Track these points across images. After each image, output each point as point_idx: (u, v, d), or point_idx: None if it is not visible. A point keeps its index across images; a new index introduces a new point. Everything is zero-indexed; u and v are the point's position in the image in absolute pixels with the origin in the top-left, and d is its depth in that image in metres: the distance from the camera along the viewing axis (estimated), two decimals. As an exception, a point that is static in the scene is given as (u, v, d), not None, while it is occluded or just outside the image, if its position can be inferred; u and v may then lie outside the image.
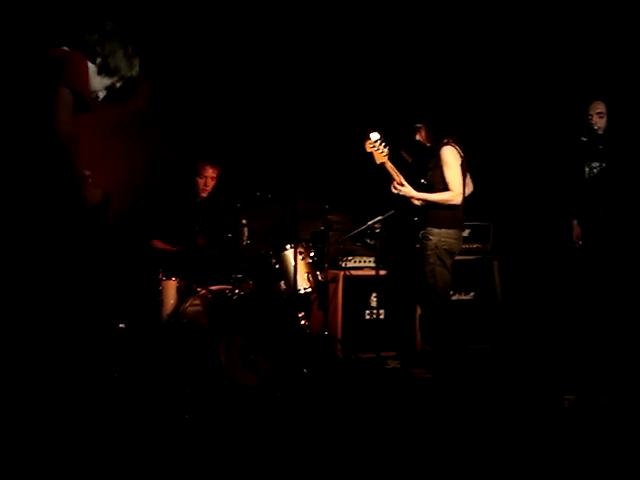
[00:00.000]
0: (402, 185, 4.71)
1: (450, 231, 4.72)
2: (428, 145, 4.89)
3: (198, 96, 5.67)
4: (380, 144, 4.64)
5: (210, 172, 5.21)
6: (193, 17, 5.42)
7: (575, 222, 4.97)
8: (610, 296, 4.72)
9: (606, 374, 4.50)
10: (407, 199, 4.79)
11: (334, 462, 3.30)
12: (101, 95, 3.11)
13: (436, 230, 4.72)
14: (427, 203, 4.73)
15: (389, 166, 4.69)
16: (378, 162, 4.66)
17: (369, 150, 4.65)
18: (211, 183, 5.22)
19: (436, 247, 4.70)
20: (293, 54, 5.91)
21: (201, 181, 5.19)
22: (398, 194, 4.73)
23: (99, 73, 3.05)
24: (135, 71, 3.12)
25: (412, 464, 3.31)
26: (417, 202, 4.79)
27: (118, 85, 3.10)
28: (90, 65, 3.00)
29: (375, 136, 4.65)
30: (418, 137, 4.92)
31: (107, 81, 3.09)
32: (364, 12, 5.81)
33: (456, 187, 4.69)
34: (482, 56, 6.05)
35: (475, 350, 5.46)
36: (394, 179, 4.71)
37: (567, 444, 3.57)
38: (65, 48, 2.98)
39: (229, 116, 5.85)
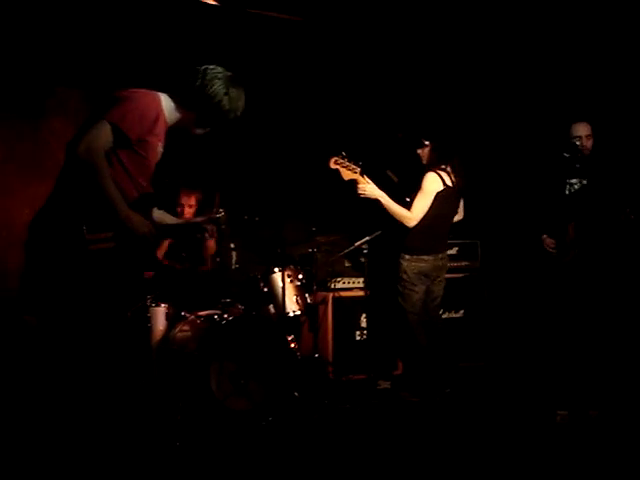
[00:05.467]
0: (368, 184, 4.63)
1: (422, 257, 4.75)
2: (424, 163, 4.89)
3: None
4: (349, 161, 4.60)
5: (185, 199, 5.16)
6: (174, 43, 5.46)
7: (545, 236, 5.03)
8: (597, 311, 4.74)
9: (597, 388, 4.50)
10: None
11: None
12: (202, 135, 3.42)
13: (407, 256, 4.77)
14: (387, 209, 4.70)
15: (363, 180, 4.59)
16: (347, 179, 4.59)
17: (334, 167, 4.56)
18: (189, 211, 5.15)
19: (405, 272, 4.75)
20: (278, 75, 5.94)
21: (179, 209, 5.14)
22: (365, 197, 4.64)
23: (201, 119, 3.33)
24: (238, 113, 3.37)
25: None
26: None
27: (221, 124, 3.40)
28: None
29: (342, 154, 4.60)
30: (419, 151, 4.91)
31: (210, 125, 3.39)
32: (351, 38, 5.86)
33: (415, 212, 4.69)
34: (466, 75, 6.11)
35: (467, 368, 5.45)
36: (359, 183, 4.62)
37: (559, 459, 3.57)
38: (133, 89, 3.18)
39: (213, 140, 5.85)
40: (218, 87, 3.26)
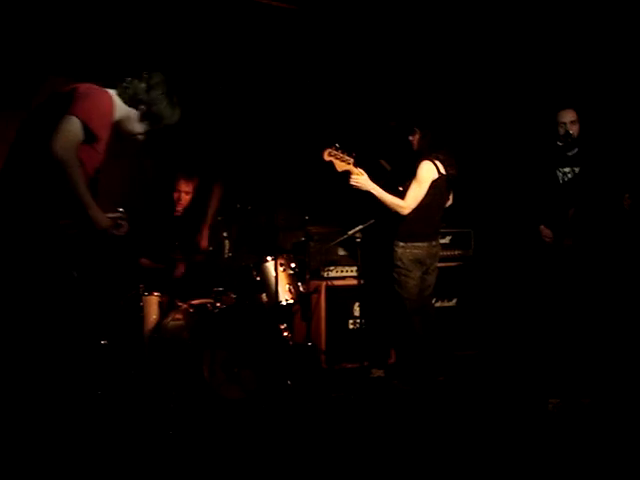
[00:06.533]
0: (361, 175, 4.62)
1: (416, 244, 4.75)
2: (415, 149, 4.88)
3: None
4: (343, 152, 4.61)
5: (184, 186, 5.18)
6: (167, 31, 5.42)
7: (542, 227, 5.05)
8: (590, 299, 4.76)
9: (589, 376, 4.52)
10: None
11: (319, 473, 3.29)
12: (141, 137, 3.48)
13: (401, 243, 4.76)
14: (380, 200, 4.69)
15: (356, 171, 4.61)
16: (340, 170, 4.61)
17: (327, 159, 4.56)
18: (186, 197, 5.18)
19: (400, 259, 4.75)
20: (272, 65, 5.91)
21: (175, 195, 5.17)
22: (358, 187, 4.64)
23: (142, 120, 3.41)
24: (175, 119, 3.50)
25: (398, 473, 3.31)
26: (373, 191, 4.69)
27: (157, 128, 3.48)
28: (133, 111, 3.38)
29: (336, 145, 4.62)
30: (411, 138, 4.90)
31: (148, 127, 3.45)
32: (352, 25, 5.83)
33: (410, 201, 4.69)
34: (458, 65, 6.10)
35: (459, 356, 5.47)
36: (352, 174, 4.61)
37: (552, 447, 3.58)
38: (89, 85, 3.22)
39: (208, 128, 5.84)
40: (159, 94, 3.40)
